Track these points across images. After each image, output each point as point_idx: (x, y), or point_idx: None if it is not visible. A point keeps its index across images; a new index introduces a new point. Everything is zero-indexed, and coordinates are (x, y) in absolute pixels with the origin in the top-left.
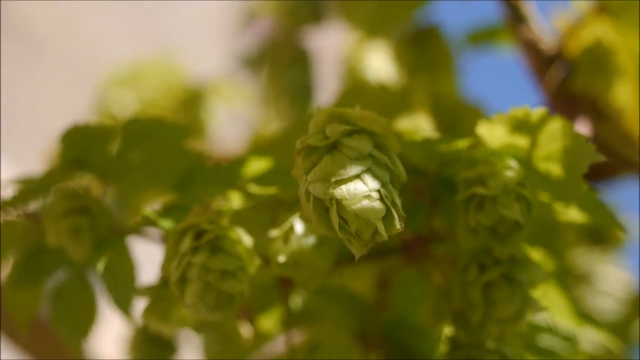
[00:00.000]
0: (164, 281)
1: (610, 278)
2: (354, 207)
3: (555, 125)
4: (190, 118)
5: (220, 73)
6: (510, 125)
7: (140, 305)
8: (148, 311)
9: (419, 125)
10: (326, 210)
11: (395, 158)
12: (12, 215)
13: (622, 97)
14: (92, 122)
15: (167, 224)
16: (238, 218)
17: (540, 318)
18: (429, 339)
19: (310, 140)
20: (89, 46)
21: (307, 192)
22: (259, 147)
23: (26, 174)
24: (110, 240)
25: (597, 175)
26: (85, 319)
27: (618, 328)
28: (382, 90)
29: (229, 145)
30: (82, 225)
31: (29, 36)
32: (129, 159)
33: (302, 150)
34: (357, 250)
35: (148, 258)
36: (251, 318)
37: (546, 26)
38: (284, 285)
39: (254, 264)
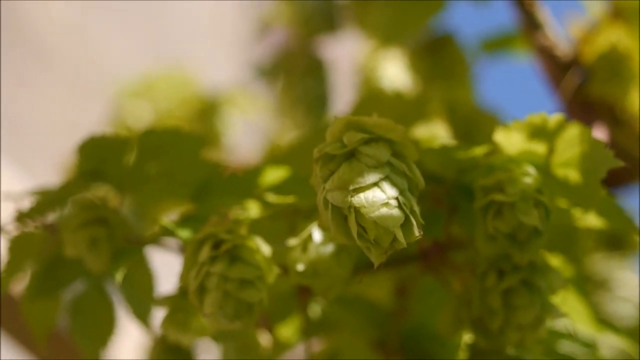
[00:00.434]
0: (182, 291)
1: (629, 284)
2: (372, 214)
3: (573, 131)
4: (206, 128)
5: (235, 83)
6: (528, 131)
7: (159, 315)
8: (167, 321)
9: (435, 133)
10: (344, 218)
11: (413, 166)
12: (29, 226)
13: (637, 102)
14: (108, 133)
15: (185, 234)
16: (256, 227)
17: (560, 324)
18: (449, 347)
19: (328, 149)
20: (92, 50)
21: (326, 201)
22: (275, 156)
23: (42, 185)
24: (128, 250)
25: (615, 181)
26: (104, 330)
27: (637, 334)
28: (397, 98)
29: (245, 155)
30: (99, 236)
31: (31, 40)
32: (145, 170)
33: (319, 158)
34: (376, 258)
35: (166, 268)
36: (270, 327)
37: (561, 33)
38: (303, 293)
39: (272, 273)
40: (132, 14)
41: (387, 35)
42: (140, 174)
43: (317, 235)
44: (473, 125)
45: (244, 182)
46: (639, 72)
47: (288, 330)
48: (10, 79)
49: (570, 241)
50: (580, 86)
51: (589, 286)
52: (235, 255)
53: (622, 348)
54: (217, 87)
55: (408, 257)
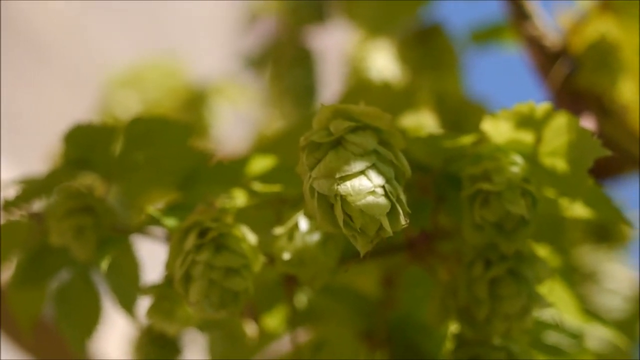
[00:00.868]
0: (168, 280)
1: (617, 276)
2: (358, 203)
3: (560, 120)
4: (194, 118)
5: (224, 73)
6: (515, 120)
7: (144, 305)
8: (152, 310)
9: (423, 123)
10: (331, 206)
11: (399, 154)
12: (15, 215)
13: (626, 93)
14: (95, 121)
15: (171, 222)
16: (242, 216)
17: (546, 315)
18: (435, 337)
19: (314, 137)
20: (91, 48)
21: (312, 189)
22: (262, 145)
23: (29, 174)
24: (114, 239)
25: (603, 172)
26: (90, 319)
27: (624, 326)
28: (386, 89)
29: (233, 145)
30: (85, 224)
31: (30, 38)
32: (132, 159)
33: (306, 146)
34: (362, 246)
35: (152, 257)
36: (256, 317)
37: (550, 23)
38: (289, 283)
39: (258, 262)
40: (124, 5)
41: (375, 26)
42: (126, 162)
43: (303, 224)
44: (461, 115)
45: (230, 171)
46: (627, 62)
47: (274, 320)
48: (9, 78)
49: (557, 231)
50: (569, 76)
51: (576, 278)
52: (221, 243)
53: (610, 339)
54: (206, 77)
55: (395, 246)
